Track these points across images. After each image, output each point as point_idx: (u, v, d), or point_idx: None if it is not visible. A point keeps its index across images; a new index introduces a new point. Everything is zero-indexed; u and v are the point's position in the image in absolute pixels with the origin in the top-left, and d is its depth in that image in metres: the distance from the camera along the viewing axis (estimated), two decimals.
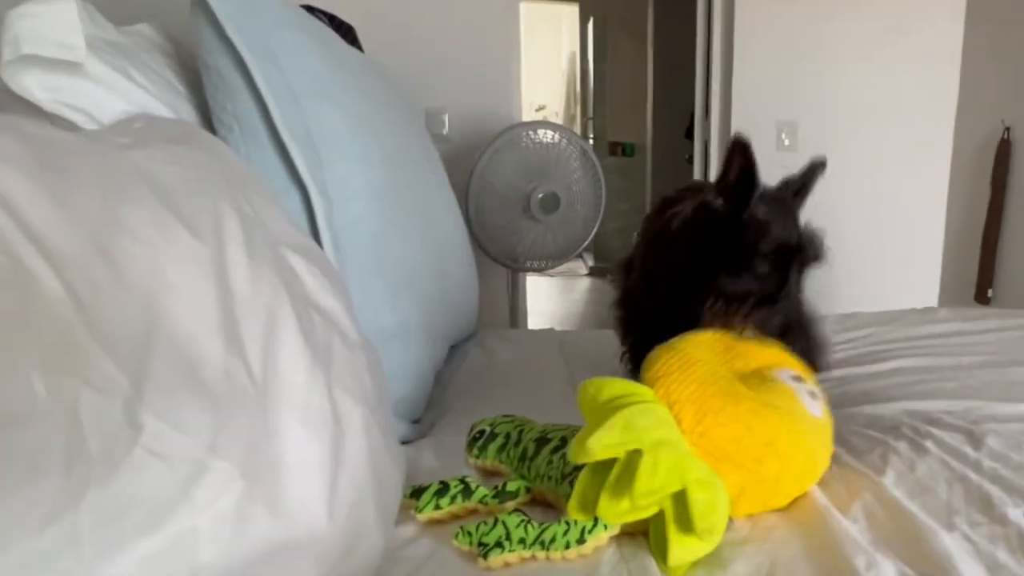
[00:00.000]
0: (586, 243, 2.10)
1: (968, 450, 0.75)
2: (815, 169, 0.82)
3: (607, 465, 0.56)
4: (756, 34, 2.39)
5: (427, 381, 0.97)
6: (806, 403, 0.67)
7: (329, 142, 0.83)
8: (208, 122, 0.81)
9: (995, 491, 0.66)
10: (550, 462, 0.64)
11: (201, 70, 0.78)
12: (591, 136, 5.32)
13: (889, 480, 0.68)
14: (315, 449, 0.46)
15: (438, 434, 0.89)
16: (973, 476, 0.69)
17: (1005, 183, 2.32)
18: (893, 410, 0.89)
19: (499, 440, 0.70)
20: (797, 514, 0.65)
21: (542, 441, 0.67)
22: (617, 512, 0.55)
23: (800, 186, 0.81)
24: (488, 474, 0.71)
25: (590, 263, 5.36)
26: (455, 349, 1.26)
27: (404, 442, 0.86)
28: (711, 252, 0.77)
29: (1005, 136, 2.31)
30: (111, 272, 0.35)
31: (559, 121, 6.17)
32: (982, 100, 2.43)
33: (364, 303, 0.84)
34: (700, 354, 0.67)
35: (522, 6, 2.40)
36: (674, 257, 0.83)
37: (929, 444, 0.76)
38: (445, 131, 2.24)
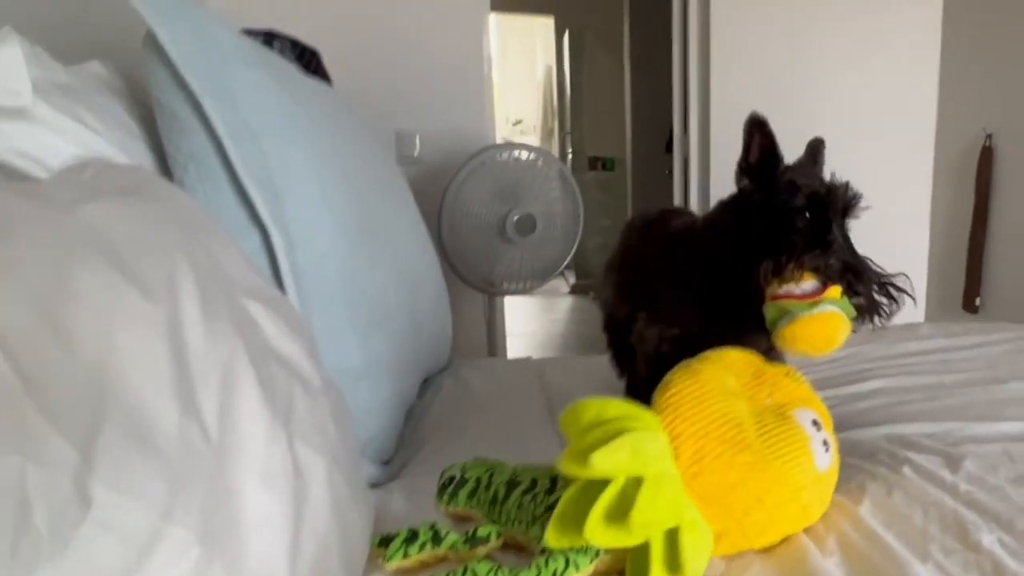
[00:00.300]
0: (565, 264, 2.12)
1: (946, 474, 0.78)
2: (817, 145, 0.90)
3: (594, 489, 0.57)
4: (733, 48, 2.45)
5: (398, 420, 0.98)
6: (816, 454, 0.67)
7: (290, 179, 0.85)
8: (164, 161, 0.82)
9: (970, 516, 0.68)
10: (520, 505, 0.66)
11: (155, 109, 0.80)
12: (570, 151, 5.39)
13: (865, 510, 0.71)
14: (275, 506, 0.47)
15: (409, 475, 0.90)
16: (949, 501, 0.71)
17: (989, 190, 2.40)
18: (873, 435, 0.92)
19: (469, 485, 0.71)
20: (773, 550, 0.67)
21: (512, 484, 0.68)
22: (605, 536, 0.56)
23: (812, 162, 0.89)
24: (460, 520, 0.72)
25: (572, 281, 5.39)
26: (428, 381, 1.28)
27: (374, 485, 0.87)
28: (750, 228, 0.83)
29: (987, 143, 2.38)
30: (60, 344, 0.36)
31: (536, 135, 6.24)
32: (962, 108, 2.51)
33: (331, 342, 0.85)
34: (721, 383, 0.67)
35: (496, 19, 2.44)
36: (716, 245, 0.88)
37: (906, 470, 0.79)
38: (416, 153, 2.26)
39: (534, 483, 0.67)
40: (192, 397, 0.42)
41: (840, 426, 0.96)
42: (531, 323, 4.52)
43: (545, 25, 5.56)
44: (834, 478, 0.71)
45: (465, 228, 1.94)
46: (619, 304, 1.02)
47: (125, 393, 0.38)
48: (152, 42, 0.77)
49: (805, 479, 0.66)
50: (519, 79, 6.26)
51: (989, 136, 2.37)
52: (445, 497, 0.73)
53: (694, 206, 2.56)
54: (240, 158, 0.78)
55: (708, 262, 0.89)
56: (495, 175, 1.95)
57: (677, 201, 2.70)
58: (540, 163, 2.01)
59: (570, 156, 5.38)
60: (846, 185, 0.83)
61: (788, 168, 0.85)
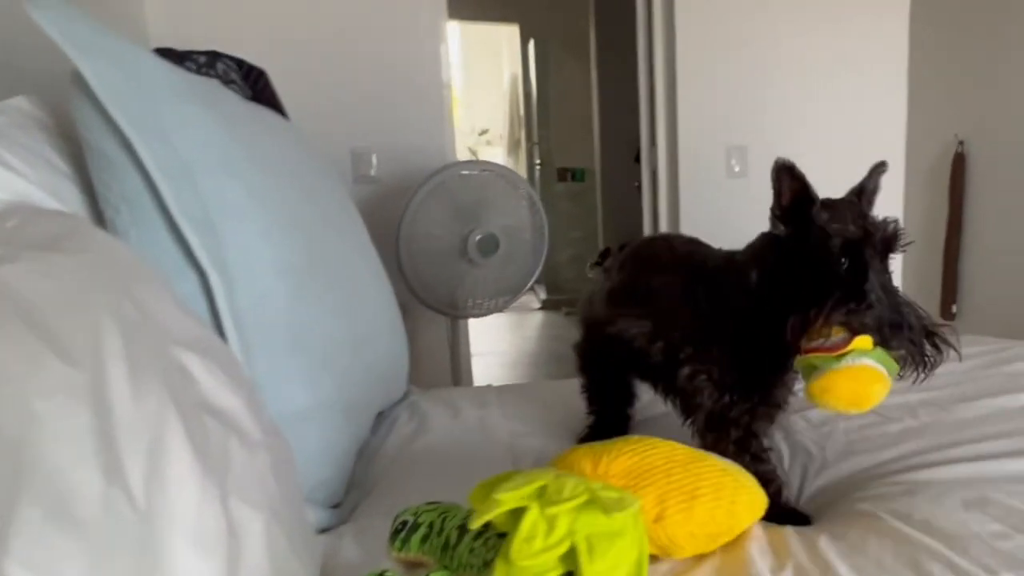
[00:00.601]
0: (531, 283, 2.15)
1: (903, 500, 0.81)
2: (877, 170, 0.89)
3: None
4: (699, 61, 2.50)
5: (348, 462, 0.99)
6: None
7: (229, 217, 0.86)
8: (95, 200, 0.83)
9: (925, 542, 0.72)
10: (472, 549, 0.67)
11: (84, 150, 0.81)
12: (537, 162, 5.44)
13: (824, 542, 0.74)
14: (207, 568, 0.49)
15: (360, 518, 0.91)
16: (904, 528, 0.75)
17: (962, 197, 2.48)
18: (836, 465, 0.96)
19: (422, 530, 0.73)
20: None
21: (464, 528, 0.70)
22: (530, 551, 0.59)
23: (860, 189, 0.87)
24: (411, 566, 0.74)
25: (543, 296, 5.43)
26: (383, 414, 1.29)
27: (323, 530, 0.88)
28: (787, 271, 0.84)
29: (959, 150, 2.46)
30: None
31: (503, 145, 6.28)
32: (933, 115, 2.60)
33: (276, 385, 0.86)
34: None
35: (461, 27, 2.45)
36: (759, 283, 0.88)
37: (866, 499, 0.82)
38: (373, 172, 2.27)
39: (486, 526, 0.68)
40: (117, 464, 0.43)
41: (806, 455, 1.01)
42: (501, 341, 4.53)
43: (510, 33, 5.63)
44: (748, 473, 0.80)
45: (424, 250, 1.95)
46: (650, 337, 1.00)
47: (44, 466, 0.39)
48: (78, 79, 0.78)
49: (702, 451, 0.79)
50: (485, 88, 6.32)
51: (961, 143, 2.46)
52: (397, 543, 0.75)
53: (663, 219, 2.61)
54: (174, 198, 0.79)
55: (751, 298, 0.89)
56: (455, 194, 1.97)
57: (647, 214, 2.75)
58: (501, 180, 2.04)
59: (538, 167, 5.44)
60: (885, 223, 0.81)
61: (824, 206, 0.83)
